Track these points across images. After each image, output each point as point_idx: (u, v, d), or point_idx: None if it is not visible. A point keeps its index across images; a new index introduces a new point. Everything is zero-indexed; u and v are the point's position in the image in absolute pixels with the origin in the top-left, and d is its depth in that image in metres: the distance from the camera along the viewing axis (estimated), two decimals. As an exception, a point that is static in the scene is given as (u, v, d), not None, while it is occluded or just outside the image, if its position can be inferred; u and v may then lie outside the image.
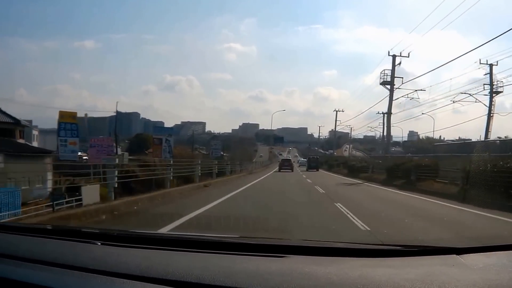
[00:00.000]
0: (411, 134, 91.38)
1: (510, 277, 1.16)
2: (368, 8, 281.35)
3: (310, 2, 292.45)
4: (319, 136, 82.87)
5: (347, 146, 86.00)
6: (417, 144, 54.66)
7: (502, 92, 28.84)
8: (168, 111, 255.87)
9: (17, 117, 27.73)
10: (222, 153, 39.33)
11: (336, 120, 59.66)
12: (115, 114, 35.22)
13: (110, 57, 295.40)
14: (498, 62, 27.99)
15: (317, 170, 44.06)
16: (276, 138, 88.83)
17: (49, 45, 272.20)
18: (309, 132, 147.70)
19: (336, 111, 59.77)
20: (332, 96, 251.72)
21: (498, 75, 30.36)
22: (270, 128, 79.80)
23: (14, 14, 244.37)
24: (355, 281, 1.11)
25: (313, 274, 1.18)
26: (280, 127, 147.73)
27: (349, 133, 66.66)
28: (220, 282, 1.13)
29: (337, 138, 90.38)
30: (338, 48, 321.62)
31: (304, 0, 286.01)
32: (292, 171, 37.95)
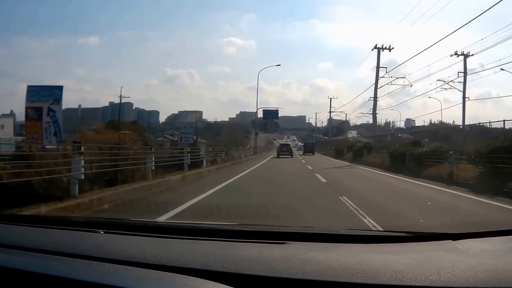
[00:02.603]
0: (408, 121, 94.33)
1: (505, 261, 1.21)
2: (361, 2, 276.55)
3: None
4: (330, 112, 68.83)
5: (351, 132, 79.49)
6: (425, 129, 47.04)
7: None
8: (168, 103, 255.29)
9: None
10: (196, 138, 30.27)
11: (377, 78, 33.56)
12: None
13: (113, 53, 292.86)
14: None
15: (313, 154, 48.33)
16: (268, 113, 54.72)
17: (53, 42, 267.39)
18: (307, 121, 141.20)
19: (379, 47, 32.80)
20: (327, 86, 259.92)
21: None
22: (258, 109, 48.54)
23: (19, 14, 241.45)
24: (354, 266, 1.16)
25: (314, 259, 1.23)
26: (280, 115, 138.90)
27: (347, 121, 67.67)
28: (223, 268, 1.17)
29: (340, 124, 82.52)
30: (333, 41, 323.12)
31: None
32: (292, 156, 37.13)
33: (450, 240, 1.44)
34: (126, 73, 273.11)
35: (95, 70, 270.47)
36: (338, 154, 39.67)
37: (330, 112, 69.22)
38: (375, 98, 33.78)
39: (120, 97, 44.27)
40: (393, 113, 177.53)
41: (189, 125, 31.09)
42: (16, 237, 1.55)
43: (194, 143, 28.62)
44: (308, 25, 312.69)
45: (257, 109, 47.41)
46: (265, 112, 54.56)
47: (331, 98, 68.55)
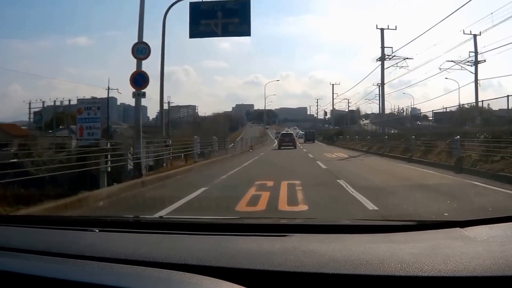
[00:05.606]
0: (414, 110, 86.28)
1: None
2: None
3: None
4: (384, 69, 42.66)
5: (365, 121, 67.63)
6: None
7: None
8: (165, 99, 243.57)
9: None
10: (108, 128, 16.62)
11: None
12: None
13: (106, 53, 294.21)
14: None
15: (313, 142, 52.38)
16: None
17: (43, 44, 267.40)
18: (308, 113, 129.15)
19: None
20: (327, 78, 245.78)
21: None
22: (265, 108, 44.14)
23: (9, 17, 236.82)
24: (358, 257, 1.16)
25: (316, 251, 1.23)
26: (278, 107, 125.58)
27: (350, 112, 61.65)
28: (222, 263, 1.17)
29: (351, 112, 69.88)
30: (328, 34, 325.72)
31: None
32: (295, 147, 35.30)
33: (458, 228, 1.45)
34: (120, 71, 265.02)
35: (89, 68, 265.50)
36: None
37: (385, 66, 35.13)
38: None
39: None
40: (395, 102, 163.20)
41: (94, 106, 16.73)
42: (7, 238, 1.54)
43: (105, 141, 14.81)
44: (300, 19, 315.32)
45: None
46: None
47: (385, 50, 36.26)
